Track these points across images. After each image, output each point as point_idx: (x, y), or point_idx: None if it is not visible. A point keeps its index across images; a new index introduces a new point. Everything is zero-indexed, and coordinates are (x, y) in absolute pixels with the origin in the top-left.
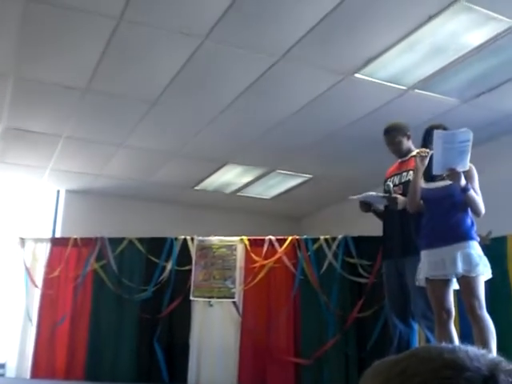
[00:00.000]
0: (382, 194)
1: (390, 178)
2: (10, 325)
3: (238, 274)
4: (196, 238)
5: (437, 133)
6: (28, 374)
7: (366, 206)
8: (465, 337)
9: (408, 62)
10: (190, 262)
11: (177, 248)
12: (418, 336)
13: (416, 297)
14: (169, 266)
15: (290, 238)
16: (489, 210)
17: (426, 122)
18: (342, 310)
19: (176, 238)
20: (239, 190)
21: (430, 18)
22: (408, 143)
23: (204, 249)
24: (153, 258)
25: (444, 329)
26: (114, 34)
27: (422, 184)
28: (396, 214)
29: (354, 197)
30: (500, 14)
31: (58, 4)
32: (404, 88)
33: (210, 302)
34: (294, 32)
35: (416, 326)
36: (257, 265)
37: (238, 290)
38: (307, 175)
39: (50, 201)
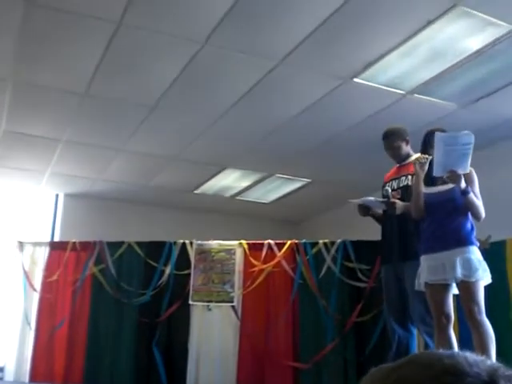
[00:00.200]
0: (380, 199)
1: (389, 182)
2: (9, 328)
3: (237, 278)
4: (195, 242)
5: (438, 134)
6: (26, 378)
7: (365, 209)
8: (464, 342)
9: (407, 67)
10: (188, 266)
11: (176, 252)
12: (417, 341)
13: (415, 302)
14: (167, 270)
15: (288, 242)
16: (488, 215)
17: (424, 126)
18: (341, 314)
19: (175, 242)
20: (238, 194)
21: (429, 22)
22: (407, 148)
23: (203, 253)
24: (151, 262)
25: (443, 334)
26: (114, 39)
27: (423, 189)
28: (394, 218)
29: (353, 200)
30: (499, 19)
31: (58, 8)
32: (403, 92)
33: (208, 306)
34: (293, 37)
35: (415, 331)
36: (256, 269)
37: (237, 294)
38: (306, 179)
39: (48, 205)
